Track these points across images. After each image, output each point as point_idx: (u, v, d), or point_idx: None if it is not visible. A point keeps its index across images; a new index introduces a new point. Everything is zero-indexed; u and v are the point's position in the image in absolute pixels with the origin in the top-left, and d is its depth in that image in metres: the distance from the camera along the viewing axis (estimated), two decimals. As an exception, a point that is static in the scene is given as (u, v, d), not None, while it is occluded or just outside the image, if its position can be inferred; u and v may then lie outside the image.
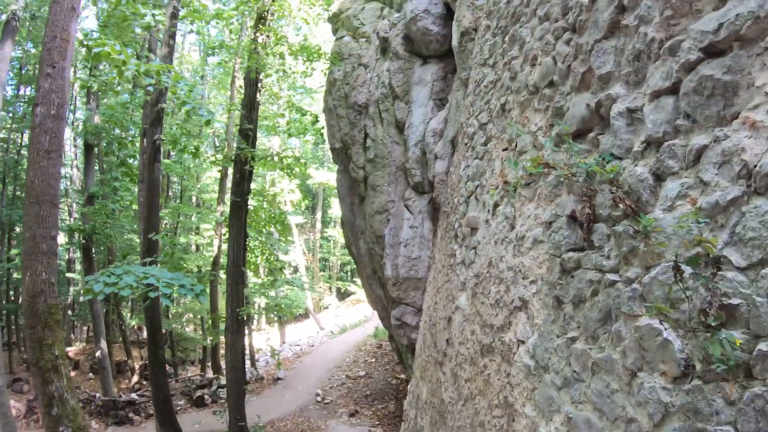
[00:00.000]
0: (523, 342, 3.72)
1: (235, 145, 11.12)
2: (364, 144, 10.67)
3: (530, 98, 4.45)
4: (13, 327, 27.36)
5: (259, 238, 13.19)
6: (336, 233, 33.36)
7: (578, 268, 2.96)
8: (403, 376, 16.14)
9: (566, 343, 3.06)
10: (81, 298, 15.60)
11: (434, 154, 9.25)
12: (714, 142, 2.14)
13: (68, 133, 26.27)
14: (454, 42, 8.18)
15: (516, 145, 4.64)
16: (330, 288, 35.47)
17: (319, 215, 34.34)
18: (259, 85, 11.07)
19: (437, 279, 7.72)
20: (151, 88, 7.72)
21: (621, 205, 2.61)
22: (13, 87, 25.71)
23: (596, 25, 3.25)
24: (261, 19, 10.61)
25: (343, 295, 37.12)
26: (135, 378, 19.63)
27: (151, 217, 11.09)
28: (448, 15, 9.16)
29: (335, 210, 34.21)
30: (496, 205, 5.02)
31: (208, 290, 20.88)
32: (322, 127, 11.74)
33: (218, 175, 19.71)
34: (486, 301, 4.70)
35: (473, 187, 5.99)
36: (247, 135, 10.73)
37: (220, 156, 12.84)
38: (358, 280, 34.32)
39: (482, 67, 6.40)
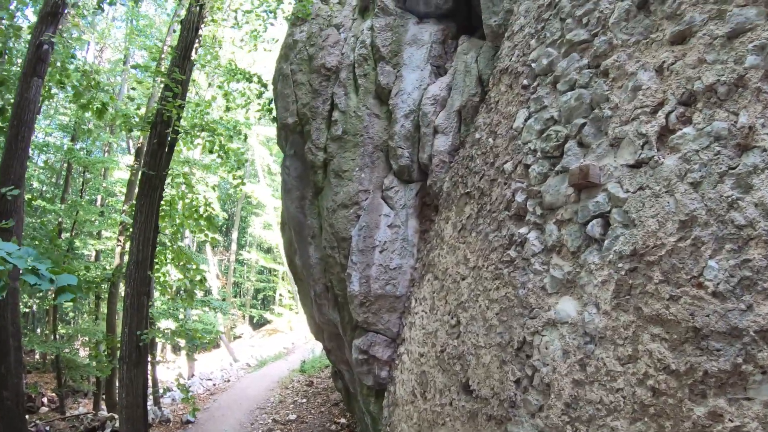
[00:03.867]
0: None
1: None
2: (329, 118, 8.32)
3: None
4: None
5: (173, 245, 9.97)
6: (254, 255, 29.71)
7: None
8: (343, 420, 13.37)
9: None
10: None
11: (433, 128, 7.10)
12: None
13: None
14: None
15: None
16: (243, 316, 31.58)
17: (234, 235, 30.45)
18: (200, 31, 8.42)
19: (453, 291, 5.39)
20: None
21: None
22: None
23: None
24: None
25: (256, 324, 33.35)
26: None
27: (9, 162, 6.73)
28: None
29: (254, 229, 30.60)
30: (664, 133, 2.92)
31: (105, 308, 16.91)
32: (271, 99, 9.19)
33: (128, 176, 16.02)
34: (692, 291, 2.52)
35: (570, 130, 3.85)
36: (176, 87, 7.87)
37: (136, 118, 9.53)
38: (275, 308, 30.90)
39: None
